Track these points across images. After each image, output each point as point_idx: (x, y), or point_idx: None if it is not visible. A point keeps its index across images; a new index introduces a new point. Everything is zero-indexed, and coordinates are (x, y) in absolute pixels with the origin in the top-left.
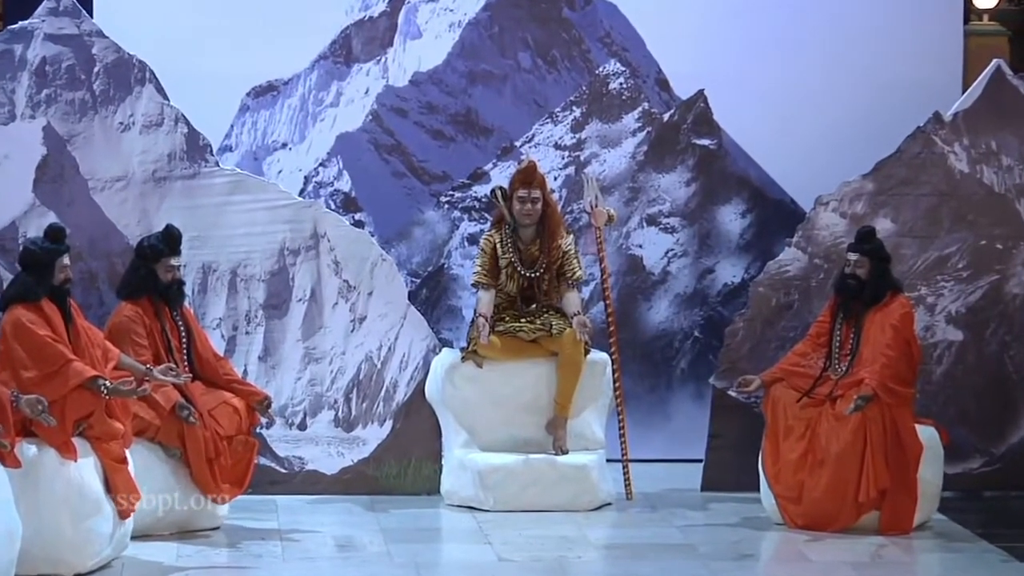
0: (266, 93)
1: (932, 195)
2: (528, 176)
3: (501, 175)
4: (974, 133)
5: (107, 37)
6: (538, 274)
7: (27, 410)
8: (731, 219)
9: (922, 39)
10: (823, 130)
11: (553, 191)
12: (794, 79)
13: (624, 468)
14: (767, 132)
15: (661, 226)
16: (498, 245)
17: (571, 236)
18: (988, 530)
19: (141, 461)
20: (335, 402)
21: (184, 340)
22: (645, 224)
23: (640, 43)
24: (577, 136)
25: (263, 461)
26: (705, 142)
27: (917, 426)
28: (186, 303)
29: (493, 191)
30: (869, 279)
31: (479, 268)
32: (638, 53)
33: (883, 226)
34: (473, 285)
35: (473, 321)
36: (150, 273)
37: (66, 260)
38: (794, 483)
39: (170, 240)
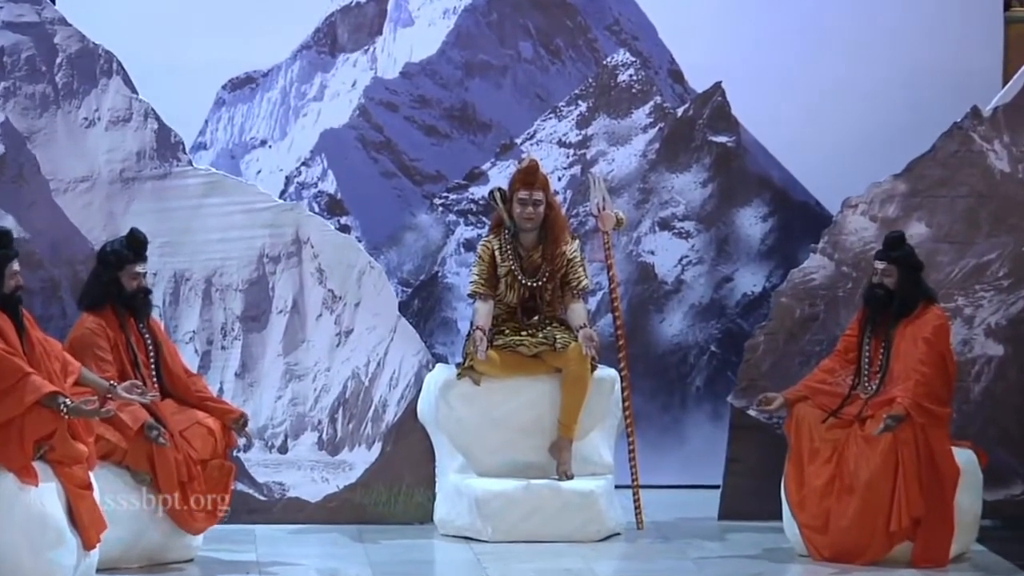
0: (244, 86)
1: (970, 197)
2: (529, 176)
3: (500, 175)
4: (1015, 129)
5: (70, 25)
6: (540, 283)
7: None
8: (751, 223)
9: (959, 27)
10: (851, 126)
11: (557, 192)
12: (820, 70)
13: (634, 495)
14: (790, 128)
15: (675, 231)
16: (497, 252)
17: (576, 242)
18: None
19: (107, 486)
20: (319, 423)
21: (152, 355)
22: (657, 228)
23: (652, 31)
24: (583, 132)
25: (240, 487)
26: (722, 139)
27: (953, 448)
28: (155, 314)
29: (491, 193)
30: (898, 289)
31: (476, 277)
32: (649, 42)
33: (916, 231)
34: (469, 295)
35: (470, 334)
36: (113, 281)
37: (15, 266)
38: (820, 511)
39: (134, 245)
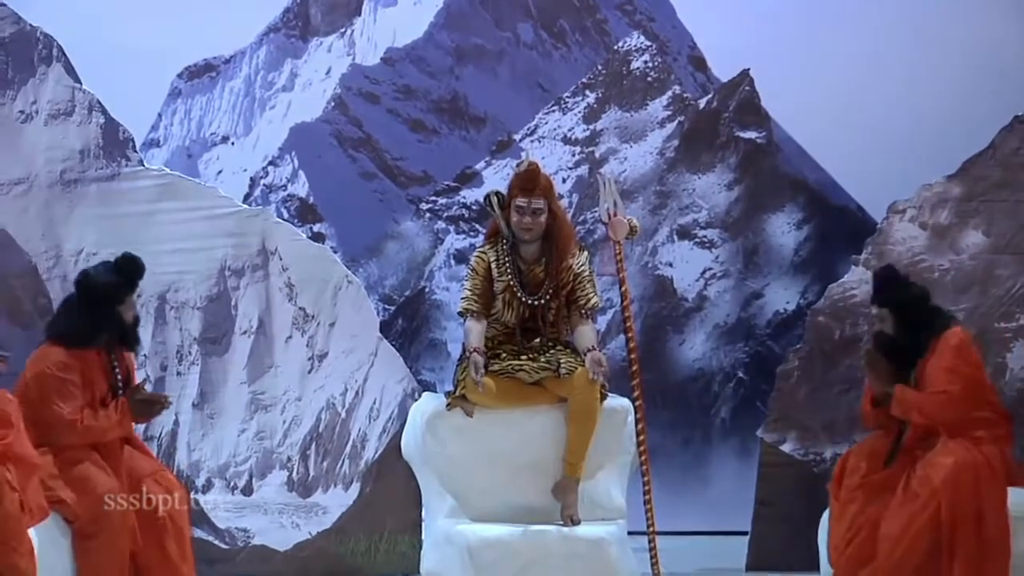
0: (202, 75)
1: None
2: (529, 181)
3: (496, 176)
4: None
5: (5, 5)
6: (543, 302)
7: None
8: (783, 231)
9: (1019, 11)
10: (898, 120)
11: (561, 197)
12: (862, 57)
13: (650, 543)
14: (828, 122)
15: (696, 239)
16: (493, 264)
17: (585, 254)
18: None
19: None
20: (288, 460)
21: (120, 390)
22: (676, 237)
23: (670, 11)
24: (591, 127)
25: (199, 534)
26: (751, 135)
27: (1011, 490)
28: None
29: (488, 197)
30: (899, 333)
31: (468, 292)
32: (667, 23)
33: (972, 240)
34: (460, 313)
35: (462, 358)
36: (109, 317)
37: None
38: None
39: (131, 273)
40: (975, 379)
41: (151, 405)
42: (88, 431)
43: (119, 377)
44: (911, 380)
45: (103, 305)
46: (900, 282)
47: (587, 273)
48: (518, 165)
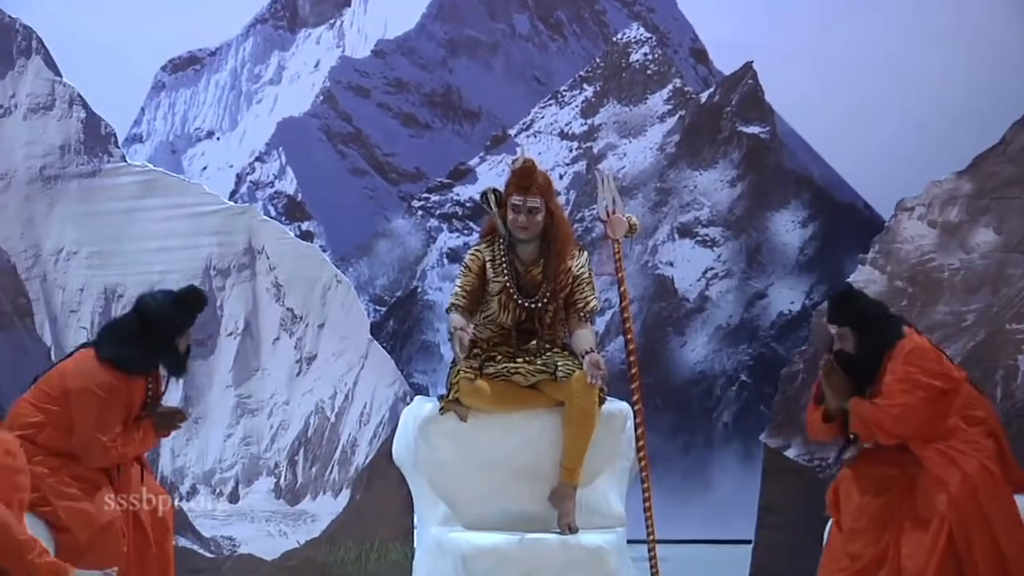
0: (187, 67)
1: None
2: (525, 179)
3: (491, 172)
4: None
5: None
6: (540, 304)
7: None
8: (788, 229)
9: None
10: (906, 114)
11: (558, 194)
12: (869, 48)
13: (650, 551)
14: (834, 117)
15: (698, 238)
16: (489, 264)
17: (584, 255)
18: None
19: None
20: (276, 466)
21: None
22: (677, 235)
23: (671, 1)
24: (589, 122)
25: (183, 543)
26: (754, 130)
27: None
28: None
29: (484, 194)
30: (859, 351)
31: (458, 289)
32: (667, 15)
33: (983, 238)
34: (447, 310)
35: (455, 361)
36: (167, 349)
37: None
38: None
39: (194, 309)
40: (933, 386)
41: (171, 419)
42: (120, 456)
43: (150, 397)
44: (867, 396)
45: (162, 337)
46: (858, 300)
47: (586, 275)
48: (514, 162)
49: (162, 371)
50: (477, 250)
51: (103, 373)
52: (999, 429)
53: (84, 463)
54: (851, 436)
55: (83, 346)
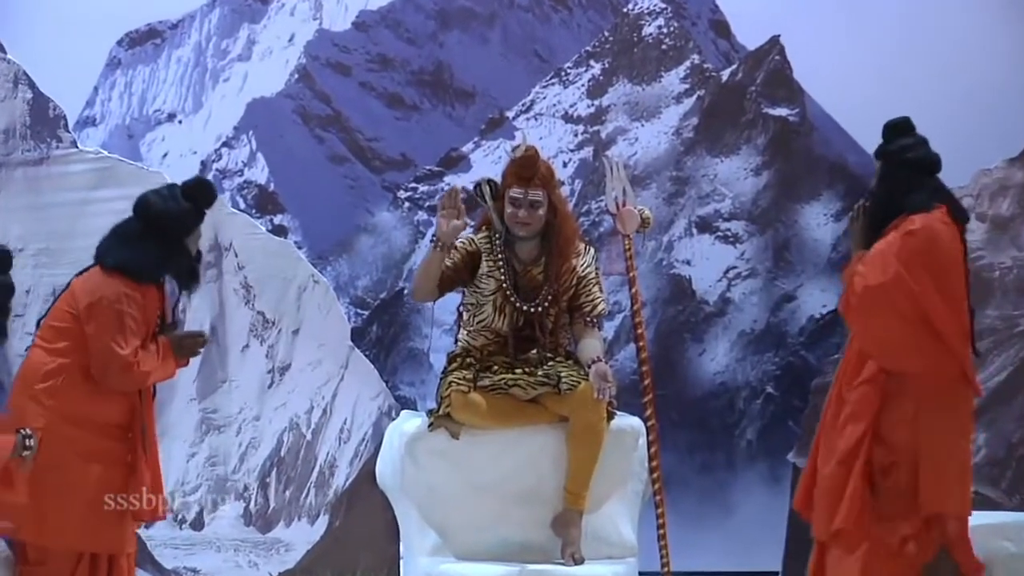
0: (145, 42)
1: None
2: (526, 169)
3: (486, 159)
4: None
5: None
6: (541, 308)
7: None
8: (819, 222)
9: None
10: (952, 95)
11: (562, 184)
12: (909, 20)
13: None
14: (870, 97)
15: (718, 233)
16: (484, 258)
17: (591, 253)
18: None
19: None
20: (245, 489)
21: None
22: (695, 230)
23: None
24: (596, 103)
25: (141, 574)
26: (781, 111)
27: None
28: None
29: (478, 185)
30: (872, 196)
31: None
32: None
33: None
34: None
35: (446, 371)
36: (178, 250)
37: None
38: None
39: (203, 202)
40: (904, 287)
41: (191, 342)
42: (143, 377)
43: (161, 317)
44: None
45: (171, 236)
46: (905, 136)
47: (593, 275)
48: (513, 149)
49: (169, 292)
50: (473, 239)
51: (113, 283)
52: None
53: (104, 387)
54: None
55: (83, 270)
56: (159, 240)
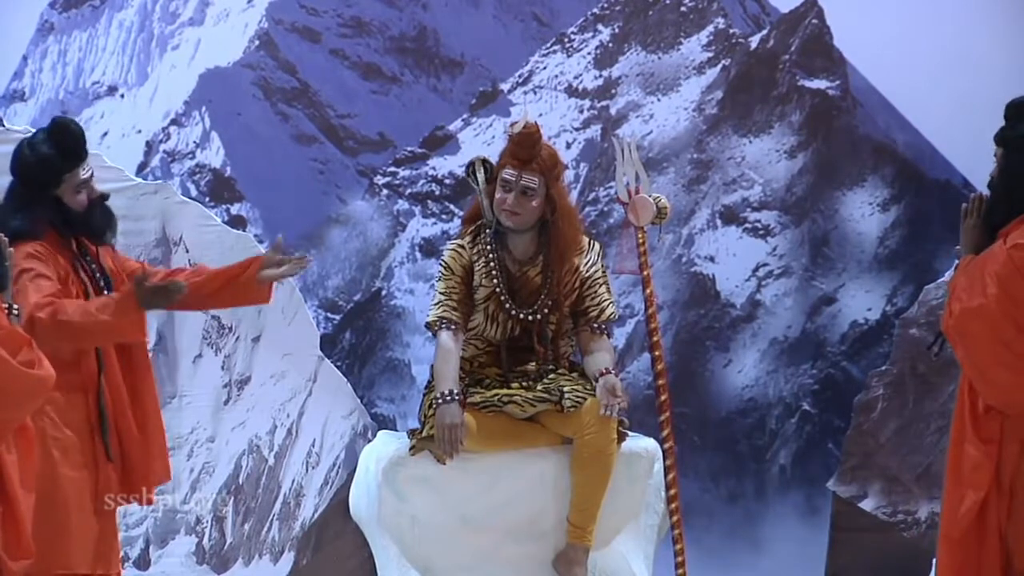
0: (82, 4)
1: None
2: (524, 148)
3: (477, 139)
4: None
5: None
6: (541, 315)
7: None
8: (864, 213)
9: None
10: (1016, 63)
11: (566, 167)
12: None
13: None
14: (923, 67)
15: (747, 225)
16: (477, 264)
17: (597, 249)
18: None
19: None
20: (198, 522)
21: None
22: (720, 222)
23: None
24: (605, 75)
25: None
26: (820, 84)
27: None
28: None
29: (471, 164)
30: (992, 188)
31: (442, 297)
32: None
33: None
34: (428, 325)
35: (430, 385)
36: (49, 202)
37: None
38: None
39: (66, 145)
40: (1007, 312)
41: (162, 291)
42: (69, 318)
43: (99, 281)
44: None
45: (36, 188)
46: None
47: (599, 275)
48: (512, 125)
49: (96, 274)
50: (459, 246)
51: (17, 253)
52: None
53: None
54: None
55: None
56: (27, 194)
